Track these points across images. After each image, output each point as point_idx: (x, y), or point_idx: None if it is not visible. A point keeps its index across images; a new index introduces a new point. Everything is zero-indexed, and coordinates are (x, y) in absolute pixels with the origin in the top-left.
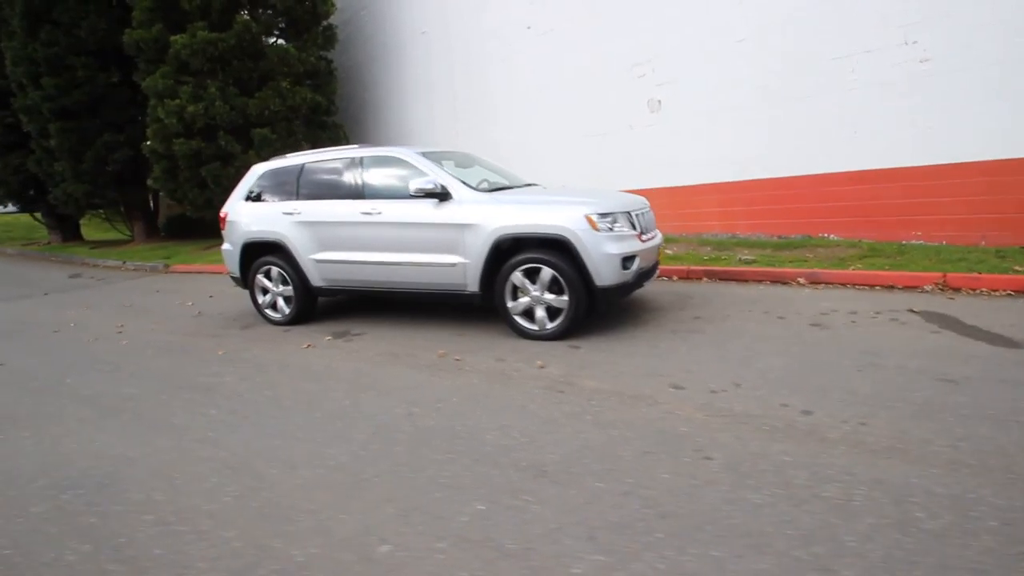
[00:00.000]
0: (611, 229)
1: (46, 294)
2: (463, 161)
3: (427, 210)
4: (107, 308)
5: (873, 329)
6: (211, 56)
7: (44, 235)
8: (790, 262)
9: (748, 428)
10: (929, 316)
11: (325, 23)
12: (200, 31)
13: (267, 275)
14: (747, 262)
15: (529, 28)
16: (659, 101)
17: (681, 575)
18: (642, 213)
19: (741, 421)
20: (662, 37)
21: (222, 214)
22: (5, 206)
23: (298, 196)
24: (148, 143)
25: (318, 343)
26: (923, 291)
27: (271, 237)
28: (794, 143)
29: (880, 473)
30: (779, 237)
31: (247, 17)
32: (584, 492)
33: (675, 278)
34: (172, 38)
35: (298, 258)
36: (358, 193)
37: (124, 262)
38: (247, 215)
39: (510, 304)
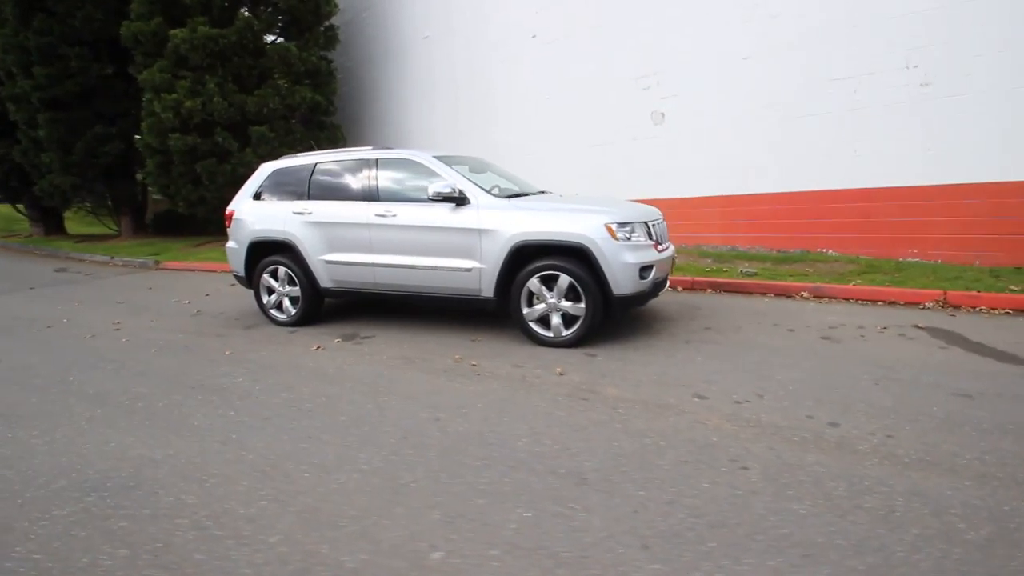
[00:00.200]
0: (629, 239)
1: (32, 288)
2: (476, 166)
3: (444, 214)
4: (99, 304)
5: (882, 343)
6: (211, 52)
7: (25, 227)
8: (791, 276)
9: (778, 439)
10: (935, 332)
11: (327, 23)
12: (201, 26)
13: (273, 275)
14: (748, 275)
15: (534, 37)
16: (662, 114)
17: None
18: (657, 223)
19: (770, 432)
20: (667, 51)
21: (228, 212)
22: None
23: (309, 196)
24: (142, 137)
25: (327, 345)
26: (924, 308)
27: (280, 236)
28: (795, 160)
29: (915, 485)
30: (778, 251)
31: (248, 14)
32: (629, 501)
33: (680, 289)
34: (172, 32)
35: (307, 258)
36: (372, 195)
37: (112, 257)
38: (255, 214)
39: (526, 310)
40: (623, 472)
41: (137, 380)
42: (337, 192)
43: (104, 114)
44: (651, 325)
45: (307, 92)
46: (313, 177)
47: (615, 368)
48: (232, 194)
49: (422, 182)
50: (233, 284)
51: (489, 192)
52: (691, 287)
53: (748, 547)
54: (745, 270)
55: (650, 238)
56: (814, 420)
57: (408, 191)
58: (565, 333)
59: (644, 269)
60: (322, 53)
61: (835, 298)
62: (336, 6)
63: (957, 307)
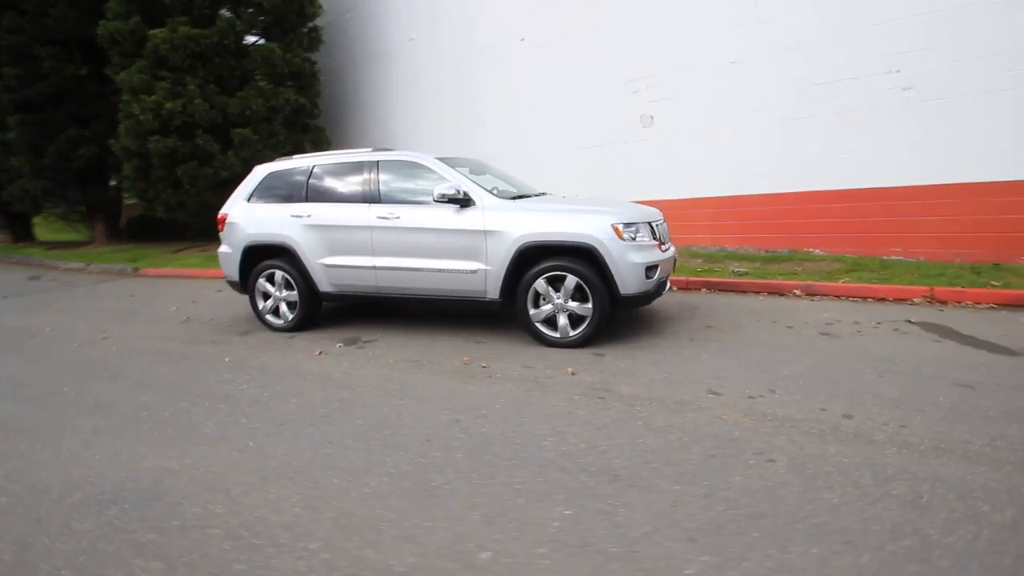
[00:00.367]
0: (634, 239)
1: (5, 297)
2: (476, 168)
3: (448, 216)
4: (81, 313)
5: (879, 338)
6: (192, 52)
7: None
8: (781, 275)
9: (798, 432)
10: (927, 327)
11: (311, 24)
12: (181, 26)
13: (270, 280)
14: (740, 274)
15: (523, 40)
16: (652, 117)
17: (791, 571)
18: (659, 224)
19: (789, 425)
20: (657, 54)
21: (221, 216)
22: None
23: (307, 199)
24: (119, 139)
25: (329, 350)
26: (913, 303)
27: (277, 240)
28: (783, 162)
29: (935, 471)
30: (767, 251)
31: (230, 14)
32: (665, 496)
33: (675, 288)
34: (151, 32)
35: (306, 262)
36: (373, 197)
37: (88, 264)
38: (250, 217)
39: (532, 311)
40: (653, 468)
41: (137, 389)
42: (336, 194)
43: (78, 116)
44: (653, 325)
45: (291, 94)
46: (311, 179)
47: (625, 367)
48: (214, 198)
49: (425, 184)
50: (221, 290)
51: (493, 194)
52: (686, 287)
53: (790, 536)
54: (736, 270)
55: (654, 238)
56: (828, 412)
57: (411, 193)
58: (572, 333)
59: (650, 269)
60: (306, 54)
61: (827, 296)
62: (320, 7)
63: (944, 303)
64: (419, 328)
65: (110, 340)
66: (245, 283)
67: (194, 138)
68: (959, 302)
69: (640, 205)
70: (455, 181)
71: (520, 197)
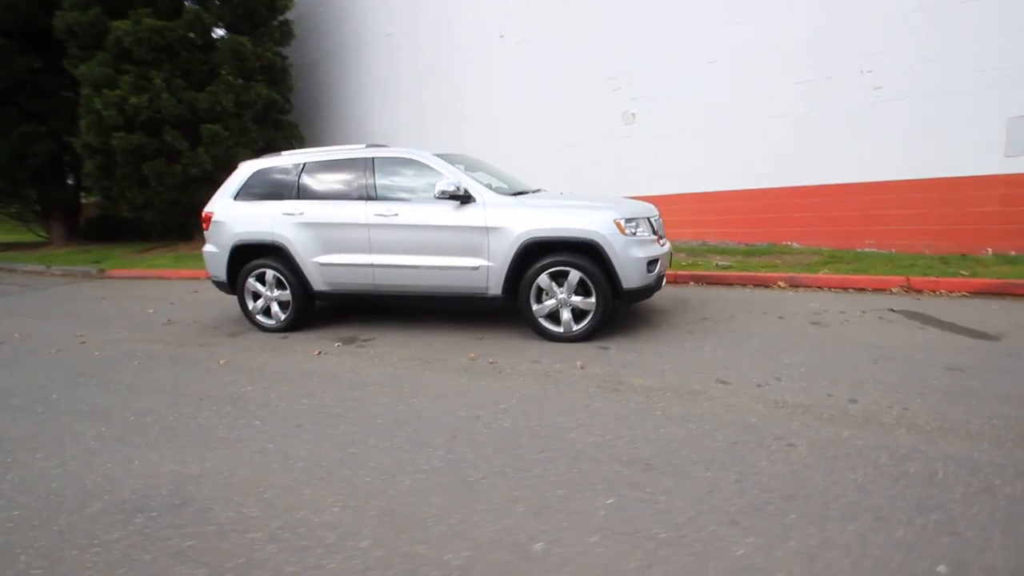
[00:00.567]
0: (635, 234)
1: None
2: (470, 165)
3: (448, 213)
4: (51, 317)
5: (867, 326)
6: (157, 45)
7: None
8: (763, 267)
9: (811, 417)
10: (909, 315)
11: (282, 18)
12: (146, 17)
13: (260, 279)
14: (723, 267)
15: (502, 37)
16: (633, 114)
17: (835, 548)
18: (656, 219)
19: (801, 411)
20: (636, 54)
21: (206, 214)
22: None
23: (299, 196)
24: (81, 136)
25: (328, 350)
26: (891, 293)
27: (268, 239)
28: (761, 158)
29: (944, 450)
30: (747, 245)
31: (197, 6)
32: (699, 482)
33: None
34: (113, 23)
35: (299, 261)
36: (369, 194)
37: (48, 266)
38: (238, 215)
39: (535, 307)
40: (682, 456)
41: (132, 394)
42: (330, 192)
43: (32, 111)
44: (649, 318)
45: (262, 88)
46: (302, 176)
47: (632, 359)
48: (183, 196)
49: (422, 180)
50: (197, 291)
51: (491, 190)
52: (674, 280)
53: (825, 515)
54: (720, 263)
55: (654, 233)
56: (834, 398)
57: (408, 190)
58: (576, 328)
59: (651, 263)
60: (277, 49)
61: (809, 287)
62: (291, 0)
63: (920, 292)
64: (416, 326)
65: (90, 345)
66: (233, 283)
67: (161, 134)
68: (934, 291)
69: (636, 201)
70: (455, 177)
71: (519, 194)
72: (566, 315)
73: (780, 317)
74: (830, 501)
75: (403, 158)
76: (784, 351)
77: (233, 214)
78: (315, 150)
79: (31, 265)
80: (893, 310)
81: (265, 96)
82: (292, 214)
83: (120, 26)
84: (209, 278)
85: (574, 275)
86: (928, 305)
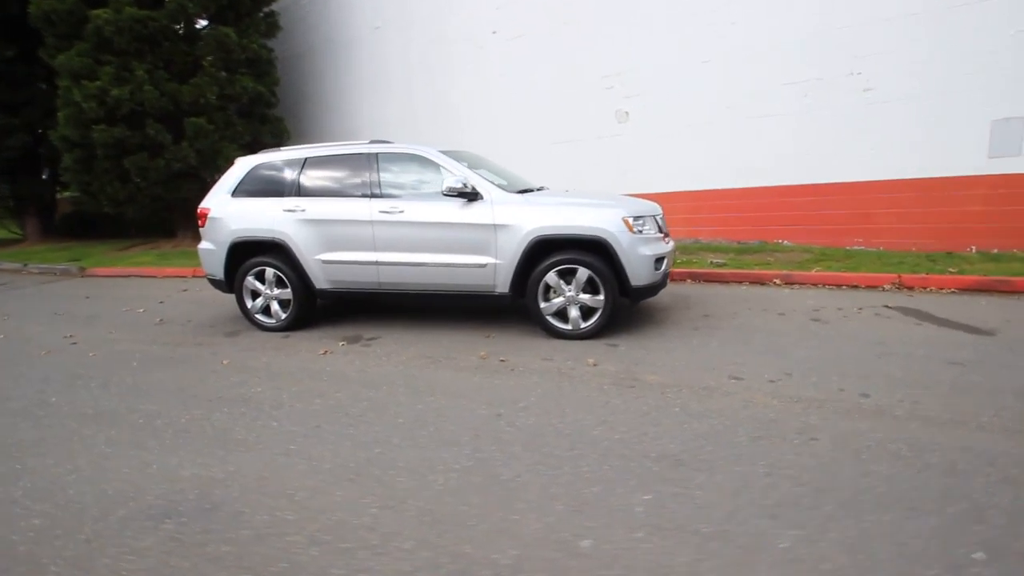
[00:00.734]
0: (642, 232)
1: None
2: (473, 162)
3: (454, 210)
4: (35, 317)
5: (865, 323)
6: (139, 35)
7: None
8: (757, 265)
9: (826, 411)
10: (904, 311)
11: (267, 9)
12: (127, 7)
13: (259, 277)
14: (718, 265)
15: (495, 33)
16: (627, 112)
17: (874, 538)
18: (660, 217)
19: (816, 406)
20: (630, 52)
21: (202, 210)
22: None
23: (299, 192)
24: (59, 129)
25: (333, 349)
26: (884, 290)
27: (268, 236)
28: (753, 157)
29: (960, 441)
30: (739, 243)
31: None
32: (731, 477)
33: None
34: (93, 12)
35: (301, 259)
36: (373, 190)
37: (25, 264)
38: (236, 211)
39: (543, 304)
40: (709, 451)
41: (136, 397)
42: (333, 188)
43: (5, 103)
44: (653, 315)
45: (248, 81)
46: (303, 172)
47: (641, 356)
48: (167, 191)
49: (428, 177)
50: (186, 289)
51: (500, 187)
52: (671, 278)
53: (860, 507)
54: (714, 261)
55: (660, 231)
56: (846, 392)
57: (413, 186)
58: (584, 325)
59: (658, 260)
60: (262, 41)
61: (804, 284)
62: None
63: (911, 288)
64: (420, 324)
65: (82, 346)
66: (231, 281)
67: (143, 127)
68: (924, 287)
69: (640, 199)
70: (461, 174)
71: (524, 191)
72: (574, 313)
73: (780, 314)
74: (861, 493)
75: (408, 154)
76: (790, 347)
77: (231, 210)
78: (318, 145)
79: (7, 263)
80: (888, 306)
81: (251, 89)
82: (293, 210)
83: (100, 15)
84: (205, 276)
85: (583, 272)
86: (921, 302)
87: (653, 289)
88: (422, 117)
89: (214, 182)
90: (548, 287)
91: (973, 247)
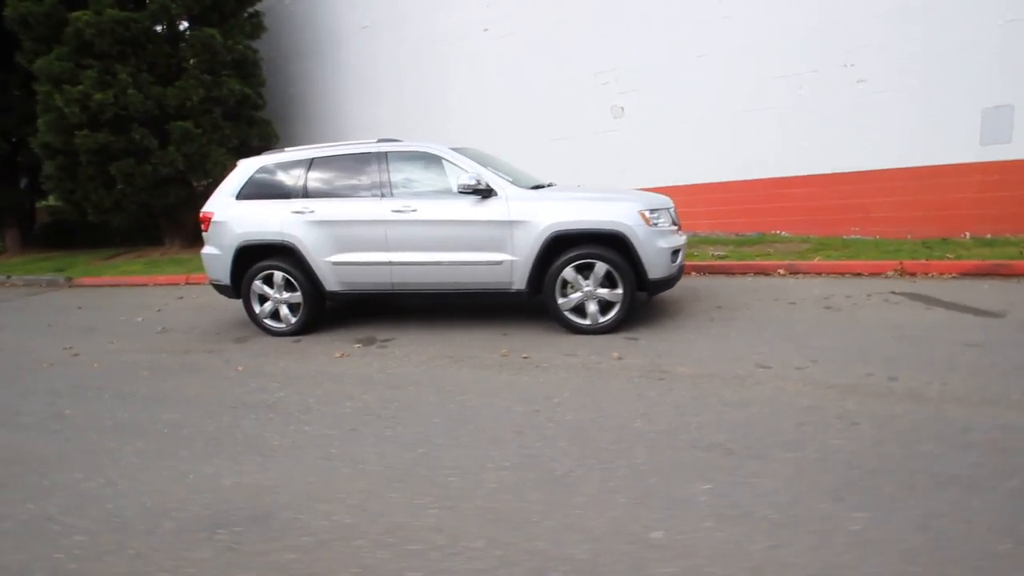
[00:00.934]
0: (657, 224)
1: None
2: (481, 160)
3: (468, 207)
4: (28, 329)
5: (876, 309)
6: (121, 38)
7: None
8: (758, 256)
9: (860, 396)
10: (912, 296)
11: (251, 9)
12: (109, 8)
13: (267, 281)
14: (720, 257)
15: (486, 31)
16: (622, 108)
17: (940, 516)
18: (672, 210)
19: (848, 391)
20: (625, 48)
21: (205, 214)
22: None
23: (306, 193)
24: (40, 135)
25: (349, 352)
26: (887, 276)
27: (276, 239)
28: (749, 150)
29: (995, 420)
30: (737, 235)
31: None
32: (785, 463)
33: None
34: (73, 14)
35: (311, 261)
36: (384, 190)
37: (9, 276)
38: (241, 215)
39: (561, 300)
40: (756, 439)
41: (154, 406)
42: (342, 189)
43: None
44: (666, 308)
45: (234, 83)
46: (310, 173)
47: (665, 348)
48: (154, 197)
49: (439, 175)
50: (182, 297)
51: (514, 183)
52: None
53: (917, 486)
54: (715, 253)
55: (674, 224)
56: (874, 377)
57: (426, 185)
58: (602, 320)
59: (674, 253)
60: (247, 42)
61: (808, 273)
62: None
63: (914, 275)
64: (434, 324)
65: (84, 357)
66: (237, 286)
67: (128, 132)
68: (926, 273)
69: (651, 193)
70: (475, 171)
71: (536, 187)
72: (592, 307)
73: (791, 303)
74: (916, 473)
75: (418, 152)
76: (808, 335)
77: (236, 213)
78: (324, 145)
79: None
80: (895, 292)
81: (237, 91)
82: (302, 212)
83: (80, 17)
84: (208, 282)
85: (600, 267)
86: (925, 287)
87: (670, 282)
88: (414, 116)
89: (202, 187)
90: (565, 282)
91: (967, 233)
